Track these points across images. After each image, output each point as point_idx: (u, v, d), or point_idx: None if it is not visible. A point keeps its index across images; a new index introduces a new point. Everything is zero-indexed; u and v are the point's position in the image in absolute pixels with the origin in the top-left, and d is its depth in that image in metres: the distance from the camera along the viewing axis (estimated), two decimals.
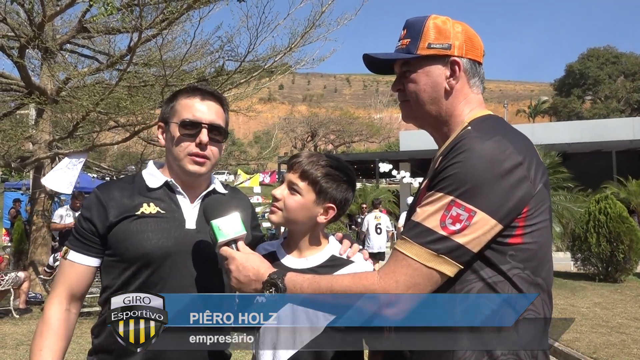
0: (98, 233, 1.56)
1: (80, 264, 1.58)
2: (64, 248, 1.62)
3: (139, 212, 1.56)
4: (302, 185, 1.57)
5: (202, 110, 1.60)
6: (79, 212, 1.63)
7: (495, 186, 1.18)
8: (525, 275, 1.24)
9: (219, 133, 1.62)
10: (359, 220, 13.50)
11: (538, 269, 1.26)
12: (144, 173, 1.68)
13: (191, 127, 1.58)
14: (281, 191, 1.60)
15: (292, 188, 1.58)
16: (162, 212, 1.59)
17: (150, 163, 1.73)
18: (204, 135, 1.58)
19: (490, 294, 1.22)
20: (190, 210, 1.63)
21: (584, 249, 10.66)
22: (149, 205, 1.59)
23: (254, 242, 1.73)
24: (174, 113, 1.62)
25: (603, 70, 79.29)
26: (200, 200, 1.66)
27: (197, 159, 1.59)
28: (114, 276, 1.56)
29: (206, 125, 1.58)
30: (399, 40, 1.44)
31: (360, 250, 1.71)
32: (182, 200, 1.63)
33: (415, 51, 1.38)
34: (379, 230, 11.16)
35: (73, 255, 1.58)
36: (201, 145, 1.58)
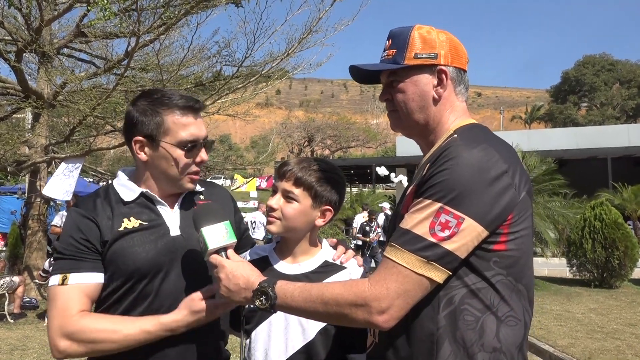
0: (96, 249, 1.50)
1: (87, 283, 1.47)
2: (59, 276, 1.47)
3: (121, 229, 1.52)
4: (297, 192, 1.58)
5: (199, 127, 1.57)
6: (67, 234, 1.52)
7: (483, 193, 1.20)
8: (507, 281, 1.26)
9: (208, 146, 1.62)
10: (367, 229, 13.39)
11: (520, 275, 1.28)
12: (116, 185, 1.62)
13: (191, 148, 1.55)
14: (277, 201, 1.60)
15: (288, 196, 1.59)
16: (144, 224, 1.55)
17: (120, 173, 1.66)
18: (204, 154, 1.57)
19: (473, 300, 1.24)
20: (171, 217, 1.60)
21: (579, 255, 10.70)
22: (129, 220, 1.54)
23: (237, 235, 1.74)
24: (165, 132, 1.54)
25: (599, 77, 79.78)
26: (179, 205, 1.63)
27: (195, 177, 1.60)
28: (108, 293, 1.52)
29: (203, 143, 1.58)
30: (384, 51, 1.46)
31: (354, 257, 1.72)
32: (162, 208, 1.60)
33: (402, 61, 1.40)
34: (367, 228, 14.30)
35: (76, 277, 1.46)
36: (201, 164, 1.59)
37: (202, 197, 1.70)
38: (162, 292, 1.52)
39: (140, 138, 1.56)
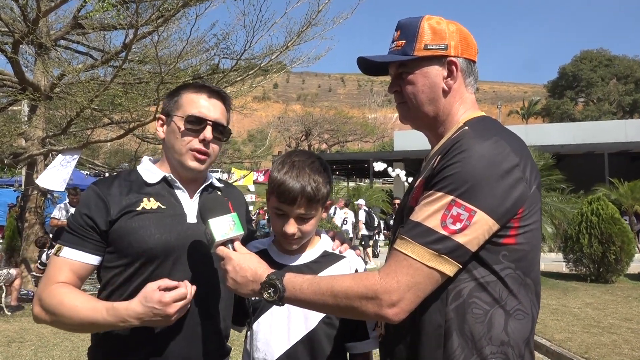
0: (98, 229, 1.52)
1: (76, 260, 1.52)
2: (56, 246, 1.56)
3: (139, 208, 1.55)
4: (312, 212, 1.58)
5: (208, 107, 1.61)
6: (77, 209, 1.57)
7: (495, 186, 1.19)
8: (516, 275, 1.26)
9: (221, 132, 1.63)
10: (391, 222, 13.09)
11: (528, 269, 1.28)
12: (140, 169, 1.66)
13: (196, 123, 1.58)
14: (294, 227, 1.57)
15: (303, 219, 1.57)
16: (162, 207, 1.58)
17: (145, 159, 1.72)
18: (208, 132, 1.58)
19: (482, 294, 1.24)
20: (190, 205, 1.62)
21: (576, 250, 10.74)
22: (149, 201, 1.57)
23: (247, 236, 1.75)
24: (178, 107, 1.61)
25: (596, 72, 79.78)
26: (199, 194, 1.66)
27: (199, 156, 1.59)
28: (116, 272, 1.54)
29: (211, 123, 1.59)
30: (392, 42, 1.44)
31: (352, 248, 1.73)
32: (182, 194, 1.63)
33: (412, 52, 1.38)
34: (345, 222, 15.00)
35: (68, 252, 1.52)
36: (204, 142, 1.59)
37: (219, 193, 1.73)
38: (172, 277, 1.51)
39: (161, 115, 1.67)
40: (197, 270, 1.57)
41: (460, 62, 1.39)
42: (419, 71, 1.39)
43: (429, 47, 1.37)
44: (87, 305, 1.45)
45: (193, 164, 1.59)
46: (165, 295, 1.37)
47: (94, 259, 1.54)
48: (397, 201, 11.35)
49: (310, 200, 1.53)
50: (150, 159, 1.71)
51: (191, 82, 1.65)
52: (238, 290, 1.38)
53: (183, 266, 1.55)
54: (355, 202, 17.17)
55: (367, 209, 15.65)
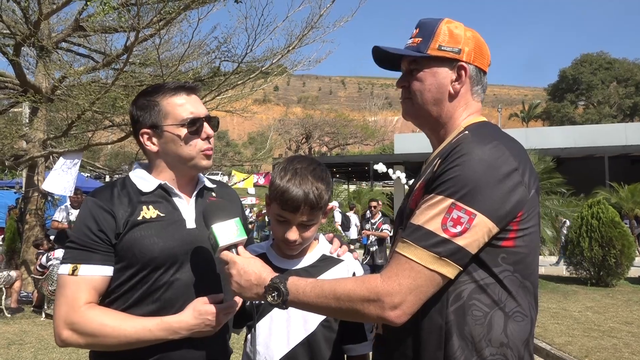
0: (110, 242, 1.51)
1: (98, 275, 1.49)
2: (70, 266, 1.49)
3: (140, 218, 1.53)
4: (314, 219, 1.59)
5: (195, 104, 1.61)
6: (82, 223, 1.53)
7: (494, 189, 1.20)
8: (515, 277, 1.27)
9: (212, 122, 1.64)
10: (367, 226, 12.70)
11: (526, 272, 1.29)
12: (133, 177, 1.64)
13: (194, 124, 1.58)
14: (295, 234, 1.58)
15: (304, 225, 1.58)
16: (161, 215, 1.57)
17: (137, 166, 1.69)
18: (208, 129, 1.60)
19: (481, 296, 1.25)
20: (187, 210, 1.62)
21: (576, 254, 10.74)
22: (148, 209, 1.56)
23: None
24: (164, 115, 1.58)
25: (596, 75, 79.71)
26: (194, 198, 1.66)
27: (208, 153, 1.62)
28: (121, 282, 1.52)
29: (205, 118, 1.61)
30: (410, 38, 1.46)
31: (350, 251, 1.74)
32: (179, 201, 1.62)
33: (425, 50, 1.40)
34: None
35: (87, 269, 1.48)
36: (208, 139, 1.61)
37: (213, 194, 1.73)
38: (176, 284, 1.53)
39: (145, 130, 1.61)
40: (199, 274, 1.57)
41: (470, 69, 1.41)
42: (428, 70, 1.41)
43: (442, 48, 1.39)
44: (132, 323, 1.46)
45: (205, 162, 1.62)
46: (218, 308, 1.48)
47: (111, 270, 1.52)
48: (374, 204, 11.24)
49: (313, 207, 1.54)
50: (141, 165, 1.69)
51: (158, 86, 1.63)
52: (242, 294, 1.39)
53: (187, 271, 1.56)
54: (329, 204, 17.56)
55: (340, 211, 16.28)
